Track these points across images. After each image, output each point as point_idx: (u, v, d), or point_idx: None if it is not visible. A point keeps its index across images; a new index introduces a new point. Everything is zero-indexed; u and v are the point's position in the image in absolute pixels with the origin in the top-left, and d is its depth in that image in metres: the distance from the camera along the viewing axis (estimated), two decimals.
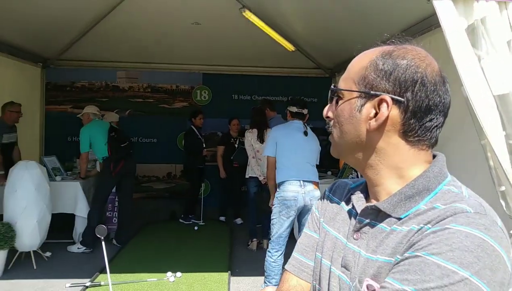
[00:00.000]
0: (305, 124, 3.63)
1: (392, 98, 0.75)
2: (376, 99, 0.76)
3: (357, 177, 4.44)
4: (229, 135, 6.28)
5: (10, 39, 5.54)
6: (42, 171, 4.41)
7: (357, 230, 0.80)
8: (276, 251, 3.48)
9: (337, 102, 0.83)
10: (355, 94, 0.79)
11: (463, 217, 0.67)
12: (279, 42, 6.10)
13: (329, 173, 5.72)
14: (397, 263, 0.68)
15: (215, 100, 7.45)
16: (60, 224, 4.94)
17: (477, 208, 0.69)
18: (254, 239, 5.09)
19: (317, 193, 3.51)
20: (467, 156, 3.32)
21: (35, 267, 4.27)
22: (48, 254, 4.62)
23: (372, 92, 0.77)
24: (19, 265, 4.29)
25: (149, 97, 7.38)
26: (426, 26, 3.83)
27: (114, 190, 5.35)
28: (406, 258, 0.66)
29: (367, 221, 0.79)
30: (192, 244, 5.28)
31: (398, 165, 0.78)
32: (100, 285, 3.78)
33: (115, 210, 5.60)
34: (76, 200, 5.04)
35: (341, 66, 6.53)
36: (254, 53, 6.64)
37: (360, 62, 0.83)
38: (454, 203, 0.70)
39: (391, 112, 0.75)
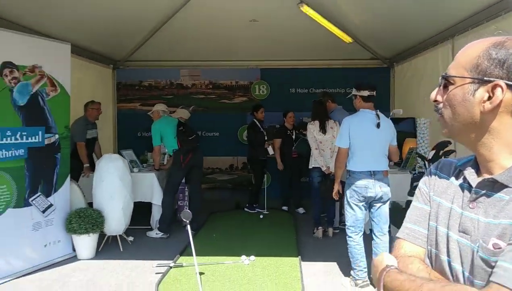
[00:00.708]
0: (377, 114, 3.62)
1: (507, 84, 0.87)
2: (490, 85, 0.88)
3: (425, 166, 4.47)
4: (285, 128, 6.49)
5: (88, 44, 6.08)
6: (124, 163, 4.85)
7: (473, 200, 0.93)
8: (356, 234, 3.63)
9: (445, 87, 0.95)
10: (468, 80, 0.90)
11: None
12: (336, 34, 6.18)
13: (391, 163, 5.76)
14: None
15: (273, 94, 7.68)
16: (139, 212, 5.39)
17: None
18: (320, 227, 5.27)
19: (387, 181, 3.62)
20: None
21: (121, 250, 4.73)
22: (131, 238, 5.07)
23: (486, 78, 0.88)
24: (107, 247, 4.77)
25: (210, 93, 7.75)
26: (494, 12, 3.80)
27: (183, 181, 5.74)
28: None
29: (483, 192, 0.92)
30: (260, 231, 5.56)
31: (510, 142, 0.91)
32: (182, 266, 4.13)
33: (186, 199, 5.99)
34: (152, 190, 5.47)
35: (400, 56, 6.51)
36: (311, 47, 6.77)
37: (471, 52, 0.93)
38: None
39: (505, 96, 0.87)
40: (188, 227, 3.67)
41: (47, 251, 4.30)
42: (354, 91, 3.72)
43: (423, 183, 1.10)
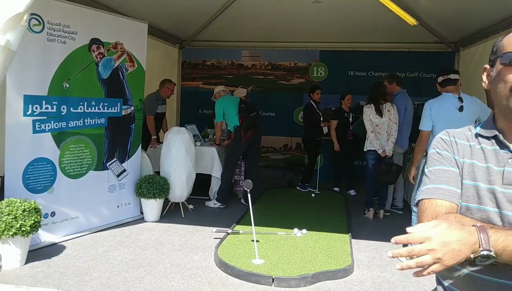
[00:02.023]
0: (460, 97, 3.64)
1: None
2: None
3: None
4: (342, 110, 6.54)
5: (158, 24, 6.47)
6: (190, 136, 5.22)
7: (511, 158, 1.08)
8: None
9: None
10: None
11: None
12: (401, 16, 6.08)
13: None
14: None
15: (331, 76, 7.73)
16: (198, 183, 5.77)
17: None
18: (371, 209, 5.37)
19: None
20: None
21: (183, 216, 5.14)
22: (191, 206, 5.48)
23: None
24: (170, 213, 5.20)
25: (269, 74, 7.96)
26: None
27: (241, 157, 6.04)
28: None
29: None
30: (311, 208, 5.77)
31: None
32: (239, 233, 4.44)
33: (242, 174, 6.30)
34: (212, 163, 5.82)
35: (468, 40, 6.29)
36: (373, 29, 6.71)
37: None
38: None
39: None
40: (249, 194, 3.94)
41: (120, 212, 4.80)
42: (439, 79, 3.80)
43: (443, 149, 1.19)
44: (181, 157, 5.04)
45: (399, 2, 5.78)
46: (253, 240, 3.91)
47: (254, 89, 7.83)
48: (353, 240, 4.42)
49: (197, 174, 5.51)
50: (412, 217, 3.92)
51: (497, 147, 1.12)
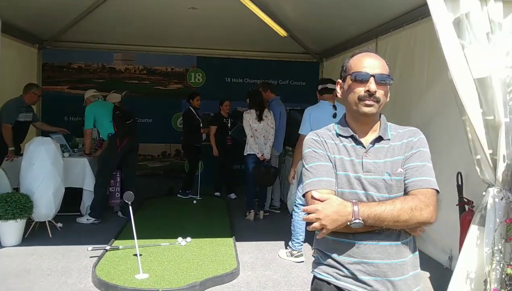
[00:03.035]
0: (334, 105, 4.00)
1: None
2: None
3: None
4: (221, 116, 6.65)
5: (11, 21, 5.65)
6: (56, 147, 4.68)
7: (366, 151, 1.40)
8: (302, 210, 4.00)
9: (384, 84, 1.39)
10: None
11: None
12: (272, 27, 6.45)
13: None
14: (410, 156, 1.39)
15: (208, 82, 7.77)
16: (66, 198, 5.19)
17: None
18: (252, 210, 5.54)
19: None
20: (447, 131, 3.83)
21: (50, 236, 4.57)
22: (60, 225, 4.90)
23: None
24: (34, 234, 4.57)
25: (144, 79, 7.64)
26: (413, 17, 4.28)
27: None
28: (413, 153, 1.39)
29: (371, 145, 1.41)
30: (194, 215, 5.69)
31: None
32: (119, 249, 4.13)
33: (117, 185, 5.90)
34: (84, 175, 5.32)
35: (330, 52, 6.95)
36: (248, 38, 6.98)
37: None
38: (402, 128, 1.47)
39: None
40: (130, 208, 3.69)
41: None
42: (318, 87, 4.13)
43: (317, 148, 1.46)
44: (47, 170, 4.48)
45: (271, 14, 6.12)
46: (135, 254, 3.67)
47: (129, 95, 7.41)
48: (237, 243, 4.48)
49: (66, 188, 4.97)
50: (294, 212, 4.15)
51: (354, 144, 1.43)
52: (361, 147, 1.41)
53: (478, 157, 3.02)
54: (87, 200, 5.34)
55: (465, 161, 3.07)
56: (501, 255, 2.96)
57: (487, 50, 2.81)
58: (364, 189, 1.37)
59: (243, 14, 5.92)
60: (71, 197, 5.29)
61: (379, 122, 1.46)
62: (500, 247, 2.95)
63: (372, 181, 1.38)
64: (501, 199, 2.96)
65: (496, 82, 2.82)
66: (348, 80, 1.41)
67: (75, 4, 5.76)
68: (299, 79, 7.88)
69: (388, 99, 1.43)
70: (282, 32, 6.63)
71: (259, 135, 5.41)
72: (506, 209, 2.97)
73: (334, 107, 4.02)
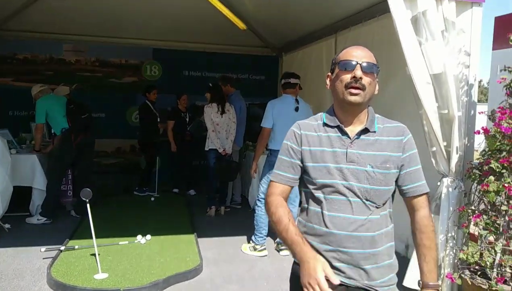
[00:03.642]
0: (297, 99, 4.05)
1: None
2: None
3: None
4: (178, 110, 6.51)
5: None
6: (3, 143, 4.38)
7: (351, 142, 1.43)
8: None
9: (371, 73, 1.42)
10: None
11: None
12: (232, 20, 6.38)
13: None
14: (406, 161, 1.46)
15: (165, 76, 7.57)
16: (14, 197, 4.89)
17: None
18: (213, 206, 5.48)
19: None
20: (406, 122, 3.97)
21: None
22: (7, 226, 4.60)
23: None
24: None
25: (97, 71, 7.31)
26: (372, 13, 4.38)
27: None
28: (409, 156, 1.47)
29: (356, 137, 1.44)
30: (152, 212, 5.53)
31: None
32: (74, 249, 3.94)
33: (69, 183, 5.62)
34: (33, 173, 5.02)
35: (290, 46, 6.99)
36: (207, 30, 6.84)
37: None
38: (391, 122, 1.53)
39: None
40: (88, 206, 3.52)
41: None
42: (282, 81, 4.15)
43: (292, 142, 1.52)
44: None
45: (230, 6, 6.04)
46: (92, 254, 3.52)
47: (79, 88, 7.07)
48: (199, 239, 4.42)
49: (13, 187, 4.67)
50: (256, 206, 4.17)
51: (340, 134, 1.46)
52: (346, 137, 1.44)
53: (434, 149, 3.17)
54: (37, 199, 5.05)
55: (421, 153, 3.19)
56: (454, 241, 3.14)
57: (442, 48, 2.95)
58: (344, 179, 1.41)
59: (202, 5, 5.80)
60: (19, 196, 4.99)
61: (366, 113, 1.49)
62: (453, 233, 3.13)
63: (354, 171, 1.41)
64: (455, 189, 3.12)
65: (450, 78, 2.97)
66: (336, 70, 1.45)
67: None
68: (258, 73, 7.88)
69: (376, 91, 1.46)
70: (241, 25, 6.58)
71: (221, 129, 5.35)
72: (458, 198, 3.14)
73: (297, 101, 4.07)
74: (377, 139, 1.45)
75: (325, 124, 1.49)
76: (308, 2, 4.95)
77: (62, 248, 3.90)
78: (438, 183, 3.21)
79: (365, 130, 1.45)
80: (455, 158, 3.10)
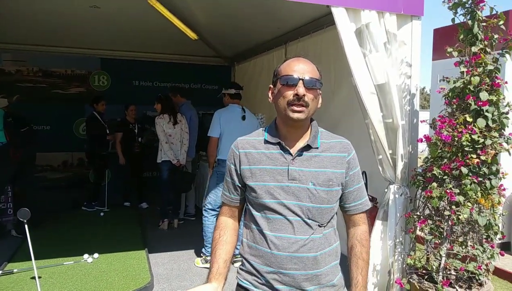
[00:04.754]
0: (243, 108, 4.09)
1: None
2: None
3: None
4: (127, 121, 6.33)
5: None
6: None
7: (293, 159, 1.39)
8: (213, 216, 3.98)
9: (313, 89, 1.38)
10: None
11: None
12: (182, 30, 6.29)
13: None
14: (349, 179, 1.44)
15: (114, 86, 7.33)
16: None
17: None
18: (165, 220, 5.33)
19: None
20: (353, 134, 4.07)
21: None
22: None
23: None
24: None
25: (40, 82, 6.94)
26: (319, 25, 4.48)
27: None
28: (351, 175, 1.45)
29: (298, 153, 1.40)
30: (101, 228, 5.29)
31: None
32: (13, 273, 3.67)
33: (9, 200, 5.27)
34: None
35: (241, 56, 7.00)
36: (157, 40, 6.70)
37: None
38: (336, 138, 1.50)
39: None
40: (26, 226, 3.28)
41: None
42: (223, 90, 4.20)
43: (231, 162, 1.49)
44: None
45: (181, 16, 5.95)
46: (33, 277, 3.29)
47: (20, 99, 6.67)
48: (150, 255, 4.27)
49: None
50: (203, 217, 4.11)
51: (281, 151, 1.41)
52: (288, 154, 1.39)
53: (380, 157, 3.25)
54: None
55: (369, 161, 3.27)
56: (402, 247, 3.22)
57: (385, 59, 3.04)
58: (285, 198, 1.36)
59: (151, 14, 5.66)
60: None
61: (309, 129, 1.45)
62: (401, 239, 3.21)
63: (295, 189, 1.37)
64: (401, 195, 3.22)
65: (394, 88, 3.06)
66: (278, 85, 1.39)
67: None
68: (211, 83, 7.81)
69: (319, 105, 1.42)
70: (192, 35, 6.50)
71: (174, 140, 5.23)
72: (405, 204, 3.23)
73: (243, 110, 4.11)
74: (319, 156, 1.40)
75: (266, 141, 1.44)
76: (258, 14, 4.97)
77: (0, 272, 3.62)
78: (386, 190, 3.29)
79: (307, 147, 1.40)
80: (400, 165, 3.19)
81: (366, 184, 3.81)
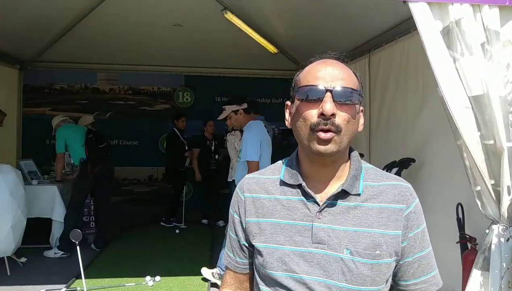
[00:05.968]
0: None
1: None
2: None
3: None
4: (204, 137, 6.27)
5: None
6: (17, 175, 4.29)
7: (320, 211, 0.93)
8: None
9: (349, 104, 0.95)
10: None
11: None
12: (261, 44, 6.10)
13: None
14: (409, 245, 0.95)
15: (197, 102, 7.41)
16: (37, 229, 4.82)
17: None
18: None
19: None
20: (446, 156, 3.36)
21: (9, 274, 4.15)
22: (23, 259, 4.49)
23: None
24: None
25: (130, 99, 7.30)
26: (404, 29, 3.87)
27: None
28: (414, 238, 0.95)
29: (328, 202, 0.94)
30: (173, 247, 5.22)
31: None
32: None
33: (92, 214, 5.49)
34: (53, 204, 4.93)
35: None
36: (237, 55, 6.63)
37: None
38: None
39: None
40: (78, 248, 3.26)
41: None
42: (234, 107, 3.77)
43: (234, 211, 1.06)
44: (4, 201, 4.06)
45: (259, 30, 5.77)
46: None
47: (113, 116, 7.10)
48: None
49: (33, 218, 4.58)
50: None
51: (303, 198, 0.95)
52: (313, 202, 0.94)
53: (478, 188, 2.55)
54: (56, 231, 4.94)
55: (466, 191, 2.60)
56: None
57: (483, 63, 2.37)
58: (306, 271, 0.90)
59: (231, 30, 5.61)
60: (41, 227, 4.91)
61: (347, 164, 0.98)
62: None
63: (323, 258, 0.90)
64: (507, 240, 2.47)
65: (495, 100, 2.37)
66: (296, 101, 0.95)
67: (54, 21, 5.48)
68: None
69: (360, 128, 0.95)
70: (272, 48, 6.28)
71: None
72: None
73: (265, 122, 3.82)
74: (361, 207, 0.92)
75: (283, 183, 0.98)
76: (335, 23, 4.55)
77: (63, 290, 3.66)
78: (487, 230, 2.57)
79: (344, 193, 0.93)
80: (506, 200, 2.46)
81: (462, 220, 3.08)
